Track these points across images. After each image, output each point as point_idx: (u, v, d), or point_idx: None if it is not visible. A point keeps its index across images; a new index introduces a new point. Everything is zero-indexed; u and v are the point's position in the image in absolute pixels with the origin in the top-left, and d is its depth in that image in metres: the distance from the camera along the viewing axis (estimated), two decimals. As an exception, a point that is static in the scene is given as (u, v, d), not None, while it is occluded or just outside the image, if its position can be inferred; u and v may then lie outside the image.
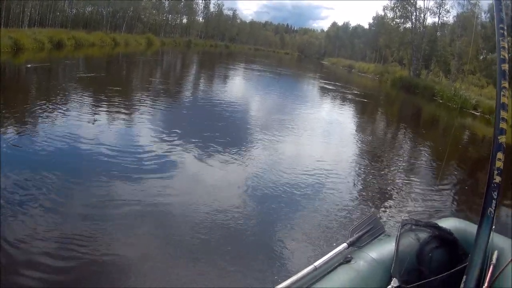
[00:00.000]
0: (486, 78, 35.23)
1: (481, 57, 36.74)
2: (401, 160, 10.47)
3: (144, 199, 5.42)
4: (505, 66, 1.81)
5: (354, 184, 7.55)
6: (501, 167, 1.65)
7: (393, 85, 39.81)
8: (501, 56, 1.84)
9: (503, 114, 1.71)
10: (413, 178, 8.57)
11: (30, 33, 25.67)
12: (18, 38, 22.54)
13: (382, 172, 8.79)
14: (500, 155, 1.67)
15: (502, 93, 1.74)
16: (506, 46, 1.88)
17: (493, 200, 1.64)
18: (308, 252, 4.65)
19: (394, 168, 9.42)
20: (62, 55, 24.84)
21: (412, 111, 24.75)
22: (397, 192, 7.48)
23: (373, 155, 10.50)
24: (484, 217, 1.63)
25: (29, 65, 17.73)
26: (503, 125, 1.71)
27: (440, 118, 22.86)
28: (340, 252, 2.87)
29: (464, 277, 2.20)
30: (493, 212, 1.64)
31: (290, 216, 5.61)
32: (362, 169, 8.87)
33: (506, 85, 1.79)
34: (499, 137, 1.70)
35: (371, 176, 8.38)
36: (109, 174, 6.04)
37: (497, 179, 1.65)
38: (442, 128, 18.38)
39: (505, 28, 2.02)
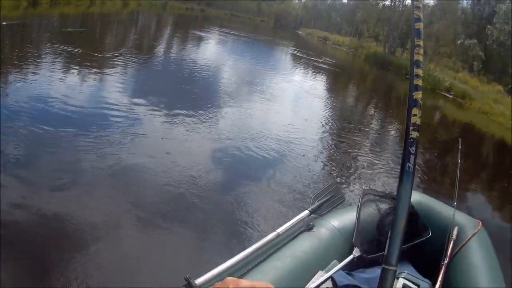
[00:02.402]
0: (462, 63, 35.69)
1: (459, 42, 37.20)
2: (366, 132, 10.85)
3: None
4: (419, 25, 1.81)
5: (316, 152, 7.70)
6: (417, 123, 1.68)
7: (366, 60, 39.96)
8: (415, 16, 1.91)
9: (417, 71, 1.76)
10: (377, 152, 8.86)
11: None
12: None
13: (346, 142, 9.09)
14: (415, 110, 1.69)
15: (415, 50, 1.78)
16: (421, 6, 1.91)
17: (411, 155, 1.66)
18: (272, 218, 4.73)
19: (359, 139, 9.74)
20: (37, 12, 24.00)
21: (383, 86, 24.97)
22: (359, 162, 7.73)
23: (339, 125, 10.83)
24: (403, 172, 1.63)
25: (4, 23, 17.06)
26: (417, 82, 1.75)
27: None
28: (302, 219, 2.92)
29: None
30: (412, 167, 1.65)
31: (255, 181, 5.74)
32: (326, 138, 9.12)
33: (420, 43, 1.80)
34: (414, 94, 1.73)
35: (334, 145, 8.68)
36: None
37: (414, 134, 1.68)
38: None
39: None
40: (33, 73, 8.67)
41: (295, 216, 2.94)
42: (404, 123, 1.61)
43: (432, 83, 26.07)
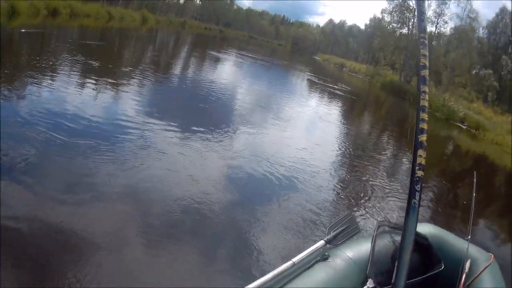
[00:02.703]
0: (476, 92, 35.62)
1: (474, 72, 37.18)
2: (381, 161, 10.79)
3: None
4: (425, 72, 2.05)
5: (329, 179, 7.61)
6: (422, 163, 1.90)
7: (383, 88, 40.12)
8: (421, 63, 2.09)
9: (423, 115, 2.01)
10: (391, 181, 8.76)
11: (27, -3, 25.13)
12: (15, 1, 22.12)
13: (360, 170, 9.03)
14: (421, 152, 1.93)
15: (422, 96, 2.03)
16: (427, 54, 2.12)
17: (417, 192, 1.86)
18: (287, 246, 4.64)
19: (373, 167, 9.69)
20: (56, 22, 24.48)
21: (398, 115, 24.94)
22: (373, 191, 7.61)
23: (354, 152, 10.78)
24: (410, 207, 1.83)
25: (23, 30, 17.41)
26: (423, 125, 1.99)
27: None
28: (317, 249, 2.96)
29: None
30: (417, 203, 1.84)
31: (269, 204, 5.67)
32: (340, 165, 9.10)
33: (426, 89, 2.05)
34: (419, 136, 1.97)
35: (348, 172, 8.62)
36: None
37: (419, 173, 1.90)
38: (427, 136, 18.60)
39: (426, 37, 2.24)
40: (50, 82, 8.79)
41: (310, 245, 2.98)
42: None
43: (447, 113, 26.01)
